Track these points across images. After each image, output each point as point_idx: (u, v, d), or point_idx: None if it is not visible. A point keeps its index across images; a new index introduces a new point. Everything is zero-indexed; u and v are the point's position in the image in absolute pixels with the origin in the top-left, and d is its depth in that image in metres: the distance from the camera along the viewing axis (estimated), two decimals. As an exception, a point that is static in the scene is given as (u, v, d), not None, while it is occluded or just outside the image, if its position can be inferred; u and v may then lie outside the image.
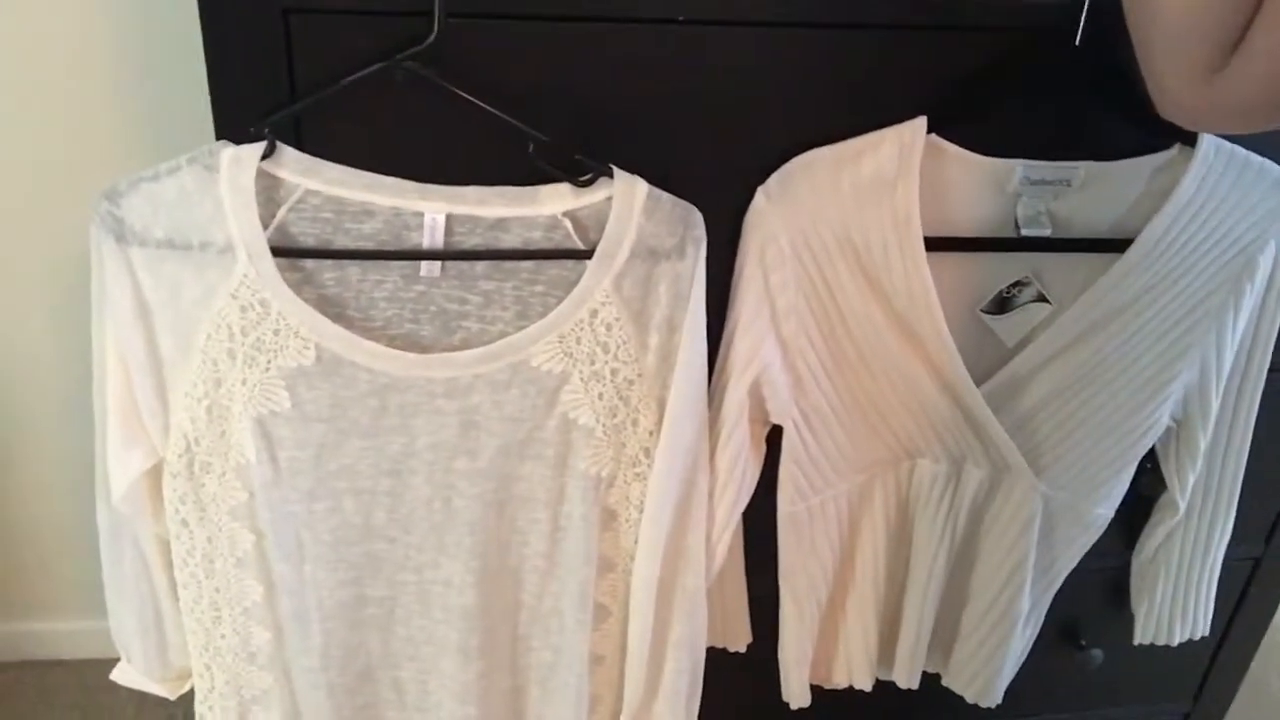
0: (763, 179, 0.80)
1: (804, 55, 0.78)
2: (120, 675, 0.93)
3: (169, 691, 0.94)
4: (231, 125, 0.72)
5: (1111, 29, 0.72)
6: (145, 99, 1.23)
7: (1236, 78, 0.61)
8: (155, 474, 0.81)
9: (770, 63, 0.78)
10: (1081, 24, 0.76)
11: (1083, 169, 0.83)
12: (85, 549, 1.50)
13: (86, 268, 0.76)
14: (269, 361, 0.76)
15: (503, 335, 0.79)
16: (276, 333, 0.75)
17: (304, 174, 0.74)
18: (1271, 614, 1.18)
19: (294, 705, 0.90)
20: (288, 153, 0.73)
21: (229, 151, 0.72)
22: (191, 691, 0.93)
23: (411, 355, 0.77)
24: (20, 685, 1.56)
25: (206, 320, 0.75)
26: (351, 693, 0.90)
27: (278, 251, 0.74)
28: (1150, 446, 0.94)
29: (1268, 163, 0.84)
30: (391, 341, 0.78)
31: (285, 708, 0.90)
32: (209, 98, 0.72)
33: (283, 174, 0.73)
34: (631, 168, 0.77)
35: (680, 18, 0.74)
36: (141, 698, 1.51)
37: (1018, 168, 0.82)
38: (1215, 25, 0.61)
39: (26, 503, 1.49)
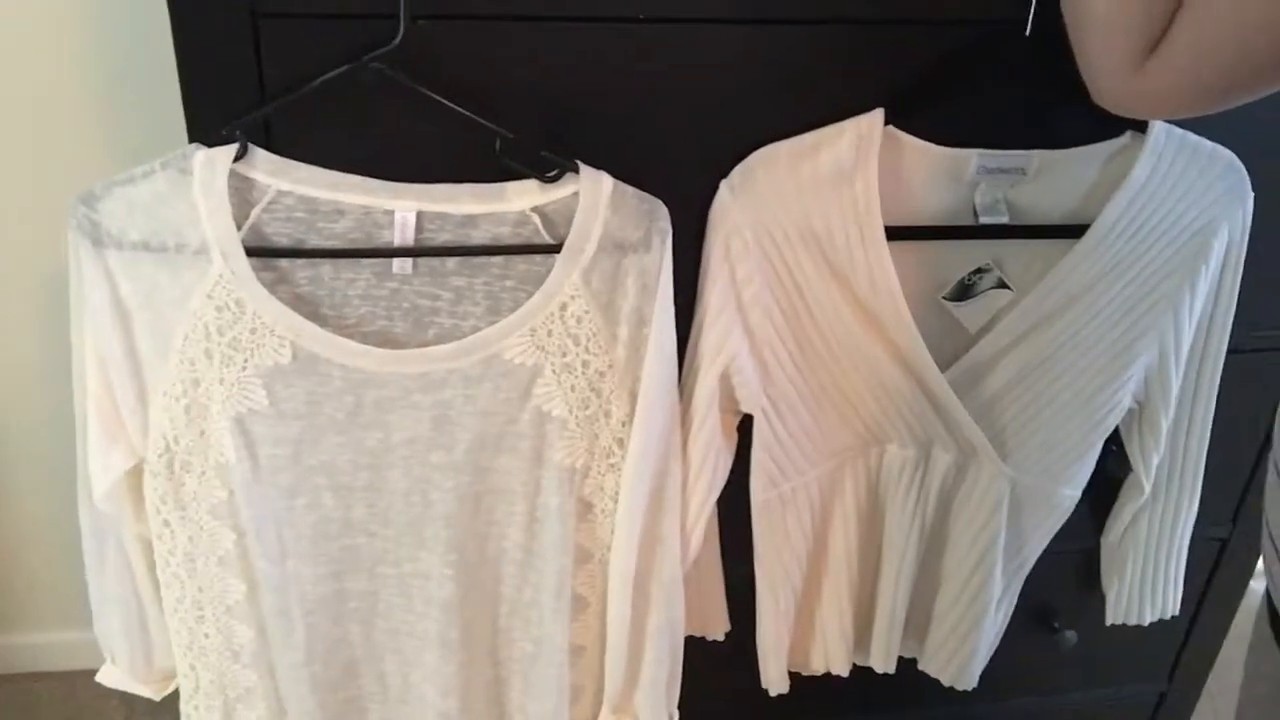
0: (727, 173, 0.82)
1: (763, 50, 0.80)
2: (105, 677, 0.94)
3: (154, 692, 0.95)
4: (203, 128, 0.74)
5: (1060, 20, 0.74)
6: (118, 104, 1.24)
7: (1161, 69, 0.64)
8: (136, 474, 0.82)
9: (730, 58, 0.80)
10: (1031, 15, 0.78)
11: (1037, 157, 0.85)
12: (71, 561, 1.50)
13: (64, 275, 0.77)
14: (246, 360, 0.77)
15: (475, 330, 0.80)
16: (253, 332, 0.76)
17: (276, 175, 0.75)
18: (1242, 592, 1.19)
19: (278, 701, 0.91)
20: (259, 154, 0.75)
21: (201, 154, 0.74)
22: (177, 693, 0.94)
23: (385, 351, 0.79)
24: (7, 698, 1.56)
25: (183, 321, 0.76)
26: (335, 687, 0.91)
27: (252, 251, 0.75)
28: (1114, 427, 0.96)
29: (1218, 147, 0.86)
30: (365, 338, 0.79)
31: (270, 704, 0.91)
32: (181, 101, 0.73)
33: (255, 175, 0.75)
34: (597, 163, 0.78)
35: (640, 15, 0.76)
36: (131, 708, 1.52)
37: (974, 157, 0.84)
38: (1139, 21, 0.63)
39: (11, 515, 1.49)
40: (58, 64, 1.21)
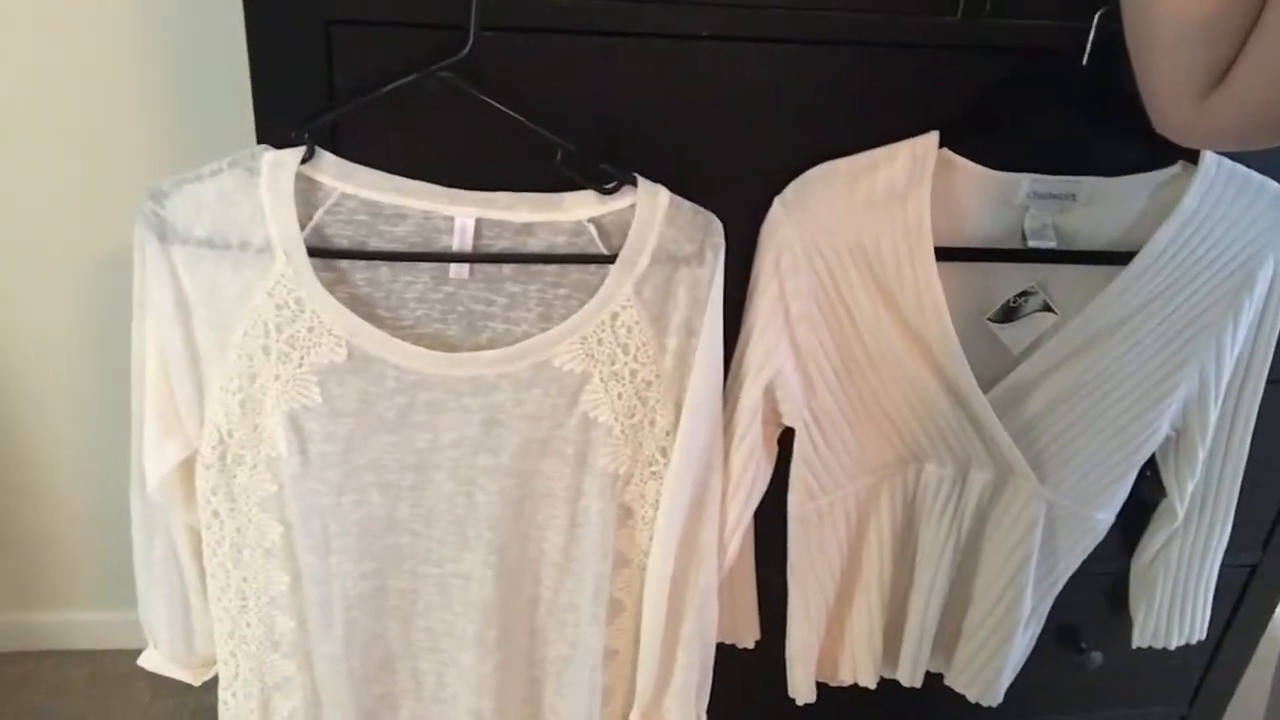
0: (780, 189, 0.83)
1: (822, 71, 0.81)
2: (147, 661, 0.96)
3: (194, 678, 0.96)
4: (272, 130, 0.75)
5: (1117, 50, 0.75)
6: (188, 103, 1.26)
7: (1225, 102, 0.65)
8: (188, 465, 0.83)
9: (789, 78, 0.80)
10: (1089, 45, 0.79)
11: (1088, 184, 0.86)
12: (103, 541, 1.53)
13: (116, 265, 0.78)
14: (302, 358, 0.79)
15: (526, 336, 0.81)
16: (310, 330, 0.78)
17: (341, 178, 0.77)
18: (1268, 619, 1.20)
19: (314, 692, 0.92)
20: (326, 157, 0.76)
21: (269, 155, 0.75)
22: (209, 681, 0.96)
23: (438, 354, 0.80)
24: (37, 675, 1.58)
25: (243, 317, 0.78)
26: (371, 681, 0.92)
27: (314, 252, 0.76)
28: (1150, 454, 0.96)
29: (1267, 180, 0.87)
30: (419, 340, 0.81)
31: (306, 695, 0.92)
32: (251, 102, 0.75)
33: (320, 178, 0.76)
34: (654, 177, 0.79)
35: (704, 33, 0.77)
36: (156, 688, 1.54)
37: (1025, 181, 0.85)
38: (1205, 53, 0.64)
39: (45, 495, 1.51)
40: (131, 62, 1.23)
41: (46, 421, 1.46)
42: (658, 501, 0.87)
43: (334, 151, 0.76)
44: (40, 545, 1.56)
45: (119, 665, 1.58)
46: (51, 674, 1.59)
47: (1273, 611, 1.19)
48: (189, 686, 0.97)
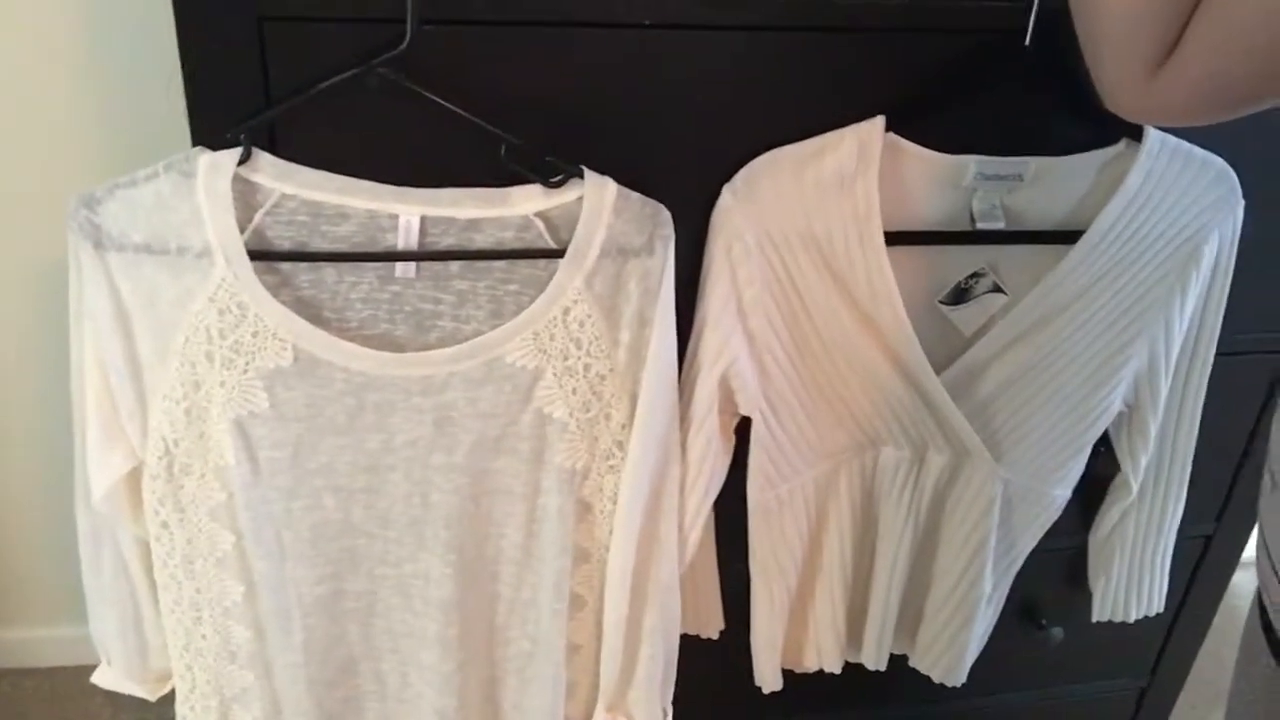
0: (728, 178, 0.83)
1: (768, 58, 0.80)
2: (101, 678, 0.94)
3: (149, 693, 0.95)
4: (208, 131, 0.73)
5: (1059, 30, 0.75)
6: (121, 106, 1.23)
7: (1173, 79, 0.65)
8: (134, 476, 0.81)
9: (734, 65, 0.80)
10: (1030, 26, 0.79)
11: (1034, 164, 0.86)
12: (58, 557, 1.50)
13: (62, 275, 0.76)
14: (247, 363, 0.77)
15: (477, 333, 0.80)
16: (255, 335, 0.76)
17: (280, 178, 0.75)
18: (1223, 590, 1.22)
19: (275, 702, 0.91)
20: (263, 158, 0.74)
21: (206, 157, 0.73)
22: (169, 695, 0.94)
23: (386, 354, 0.79)
24: (-8, 694, 1.55)
25: (184, 323, 0.76)
26: (332, 685, 0.91)
27: (255, 255, 0.75)
28: (1104, 430, 0.97)
29: (1211, 156, 0.87)
30: (367, 341, 0.79)
31: (266, 704, 0.91)
32: (185, 104, 0.73)
33: (259, 179, 0.75)
34: (601, 169, 0.79)
35: (646, 22, 0.76)
36: (115, 705, 1.52)
37: (972, 163, 0.85)
38: (1152, 31, 0.64)
39: (-3, 510, 1.49)
40: (60, 65, 1.20)
41: (-4, 437, 1.43)
42: (616, 495, 0.87)
43: (272, 152, 0.75)
44: (-7, 562, 1.53)
45: (76, 681, 1.55)
46: (9, 693, 1.56)
47: (1228, 582, 1.21)
48: (147, 701, 0.96)
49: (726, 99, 0.81)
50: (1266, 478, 0.69)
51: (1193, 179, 0.87)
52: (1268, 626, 0.68)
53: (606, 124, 0.80)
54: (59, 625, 1.57)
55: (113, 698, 1.44)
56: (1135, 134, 0.86)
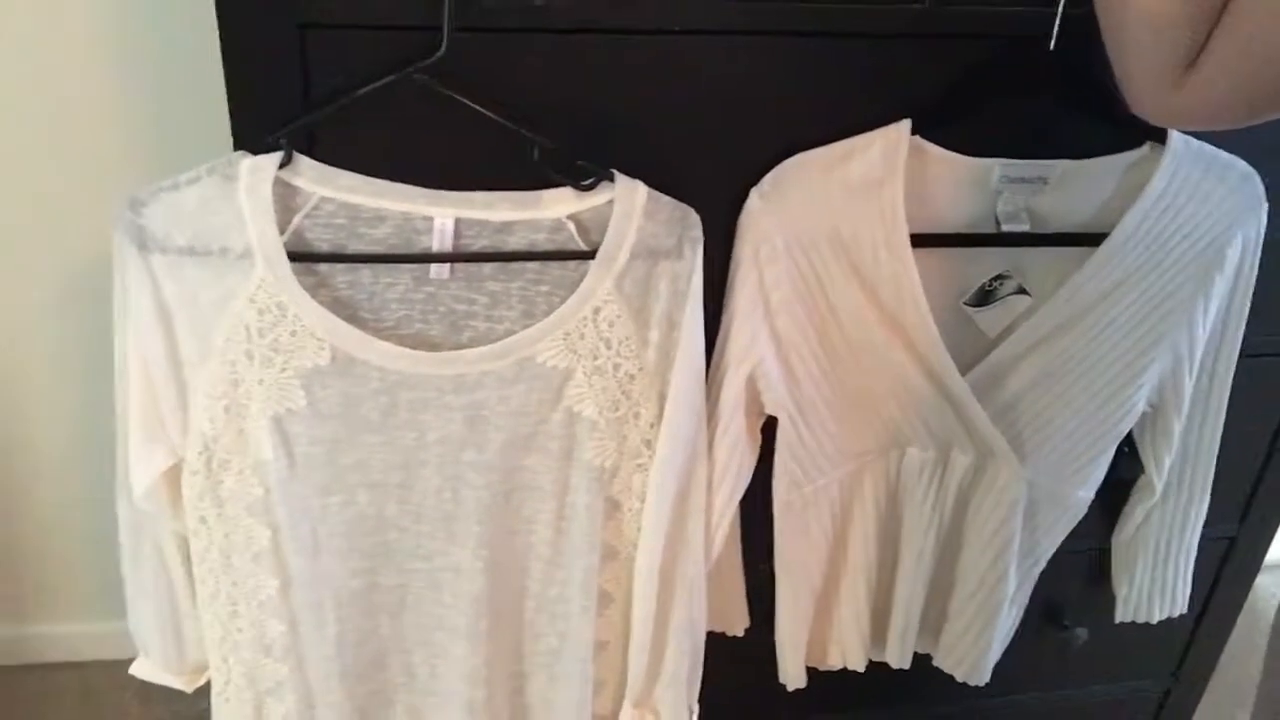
0: (756, 181, 0.84)
1: (795, 63, 0.81)
2: (139, 669, 0.96)
3: (186, 684, 0.96)
4: (250, 136, 0.75)
5: (1083, 34, 0.76)
6: (165, 110, 1.25)
7: (1199, 83, 0.66)
8: (174, 472, 0.83)
9: (763, 70, 0.81)
10: (1055, 30, 0.80)
11: (1059, 167, 0.87)
12: (90, 553, 1.52)
13: (98, 273, 0.78)
14: (285, 362, 0.79)
15: (509, 333, 0.82)
16: (293, 334, 0.78)
17: (319, 182, 0.77)
18: (1247, 591, 1.22)
19: (308, 694, 0.92)
20: (303, 162, 0.76)
21: (247, 161, 0.75)
22: (199, 690, 0.96)
23: (421, 354, 0.80)
24: (25, 688, 1.57)
25: (225, 323, 0.78)
26: (363, 678, 0.93)
27: (294, 256, 0.77)
28: (1128, 431, 0.98)
29: (1234, 159, 0.88)
30: (402, 341, 0.81)
31: (299, 697, 0.92)
32: (227, 109, 0.75)
33: (299, 182, 0.76)
34: (630, 172, 0.80)
35: (675, 28, 0.78)
36: (145, 699, 1.54)
37: (997, 167, 0.86)
38: (1179, 36, 0.65)
39: (31, 506, 1.51)
40: (106, 71, 1.23)
41: (30, 431, 1.45)
42: (644, 493, 0.88)
43: (311, 156, 0.76)
44: (26, 558, 1.55)
45: (108, 676, 1.58)
46: (41, 687, 1.58)
47: (1252, 583, 1.21)
48: (179, 695, 0.97)
49: (754, 103, 0.82)
50: None
51: (1216, 182, 0.88)
52: None
53: (636, 128, 0.82)
54: (89, 620, 1.59)
55: (143, 692, 1.47)
56: (1159, 137, 0.87)
